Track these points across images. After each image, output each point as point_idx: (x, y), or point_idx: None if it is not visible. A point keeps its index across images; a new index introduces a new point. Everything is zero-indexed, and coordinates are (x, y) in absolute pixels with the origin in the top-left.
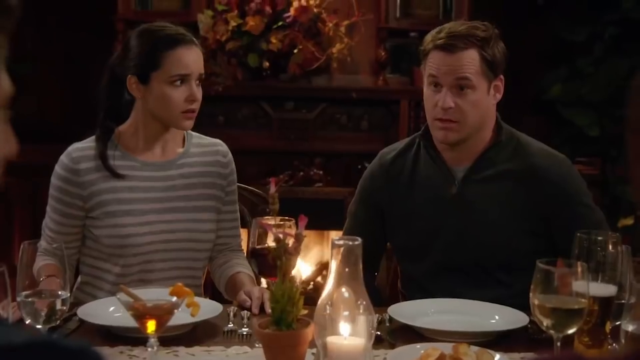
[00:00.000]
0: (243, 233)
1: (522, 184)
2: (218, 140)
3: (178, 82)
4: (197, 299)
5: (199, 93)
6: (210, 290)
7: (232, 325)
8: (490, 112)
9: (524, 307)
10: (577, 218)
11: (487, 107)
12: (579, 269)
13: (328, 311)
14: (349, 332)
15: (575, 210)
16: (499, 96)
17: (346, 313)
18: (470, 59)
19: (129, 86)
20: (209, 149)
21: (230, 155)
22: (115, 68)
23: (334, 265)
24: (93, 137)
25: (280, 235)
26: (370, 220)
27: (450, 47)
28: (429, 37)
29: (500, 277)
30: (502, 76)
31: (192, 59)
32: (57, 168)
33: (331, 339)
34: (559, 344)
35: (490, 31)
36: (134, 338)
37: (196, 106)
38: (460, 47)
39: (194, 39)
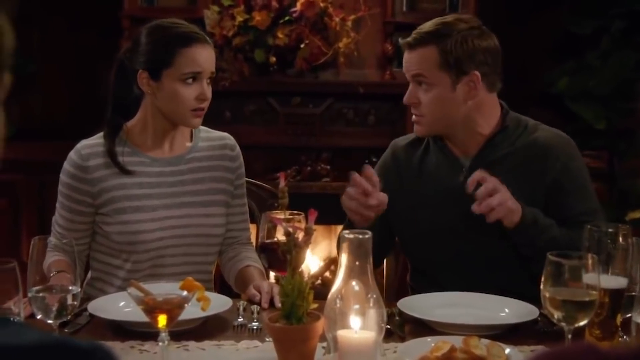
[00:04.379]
0: (251, 228)
1: (529, 163)
2: (226, 134)
3: (190, 80)
4: (207, 294)
5: (209, 92)
6: (219, 284)
7: (242, 319)
8: (464, 107)
9: (537, 295)
10: (574, 198)
11: (453, 103)
12: (590, 261)
13: (338, 305)
14: (360, 325)
15: (575, 190)
16: (476, 92)
17: (356, 307)
18: (426, 56)
19: (139, 80)
20: (217, 142)
21: (238, 148)
22: (124, 61)
23: (343, 259)
24: (101, 134)
25: (290, 229)
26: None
27: (411, 45)
28: None
29: (512, 264)
30: (476, 72)
31: (204, 57)
32: (66, 165)
33: (341, 333)
34: (569, 336)
35: (462, 26)
36: (144, 333)
37: (206, 105)
38: (420, 45)
39: (207, 38)
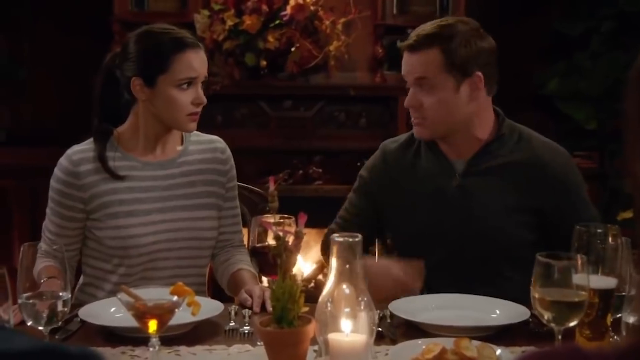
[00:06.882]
0: (243, 232)
1: (524, 175)
2: (216, 137)
3: (185, 86)
4: (197, 298)
5: (203, 95)
6: (212, 288)
7: (233, 323)
8: (467, 110)
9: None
10: (574, 212)
11: (456, 105)
12: (579, 262)
13: (329, 308)
14: (351, 328)
15: (574, 203)
16: (478, 93)
17: (347, 310)
18: (431, 58)
19: (132, 88)
20: (207, 146)
21: (228, 151)
22: (112, 69)
23: (334, 262)
24: (92, 139)
25: (280, 233)
26: (366, 210)
27: (413, 47)
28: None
29: (504, 270)
30: (479, 73)
31: (199, 62)
32: (57, 171)
33: (333, 336)
34: (560, 337)
35: (464, 28)
36: (135, 338)
37: (201, 108)
38: (423, 47)
39: (199, 42)
